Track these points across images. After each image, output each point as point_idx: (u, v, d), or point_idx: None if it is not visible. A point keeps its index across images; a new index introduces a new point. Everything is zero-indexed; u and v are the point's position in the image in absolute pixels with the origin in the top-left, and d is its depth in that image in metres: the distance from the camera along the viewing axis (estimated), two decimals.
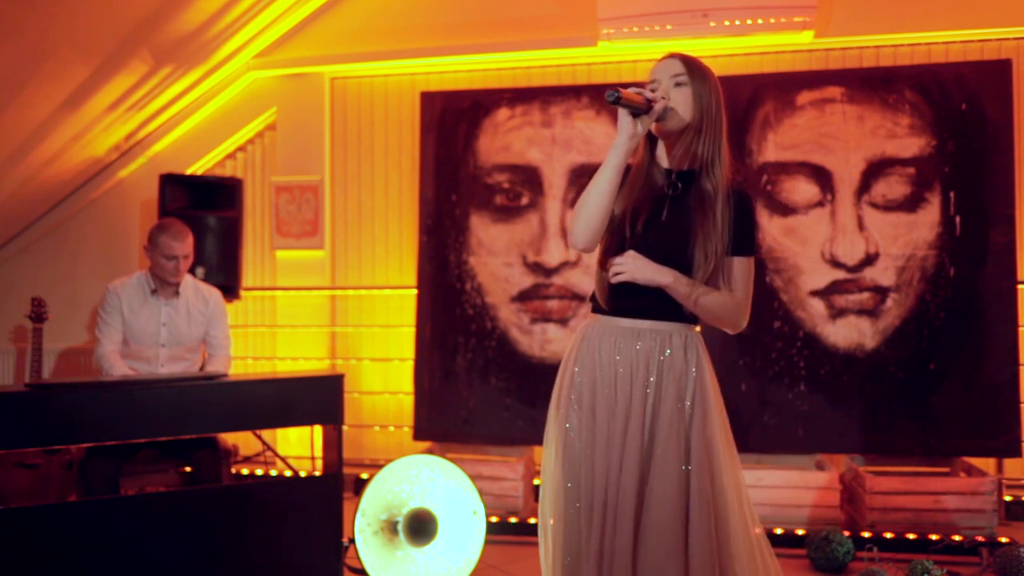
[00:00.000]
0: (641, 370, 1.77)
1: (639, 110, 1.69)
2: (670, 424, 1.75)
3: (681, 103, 1.77)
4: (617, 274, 1.76)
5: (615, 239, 1.80)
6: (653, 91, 1.77)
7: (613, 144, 1.72)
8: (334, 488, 2.86)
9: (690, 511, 1.72)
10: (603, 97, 4.09)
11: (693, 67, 1.80)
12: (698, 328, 1.86)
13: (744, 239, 1.82)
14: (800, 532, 3.31)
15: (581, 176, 4.03)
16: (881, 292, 3.73)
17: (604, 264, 1.82)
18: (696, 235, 1.77)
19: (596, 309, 1.88)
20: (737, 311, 1.82)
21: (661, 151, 1.85)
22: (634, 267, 1.75)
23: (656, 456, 1.74)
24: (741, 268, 1.82)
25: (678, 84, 1.78)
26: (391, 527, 2.88)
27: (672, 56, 1.83)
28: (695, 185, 1.81)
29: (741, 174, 1.92)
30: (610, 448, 1.75)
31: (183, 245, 3.24)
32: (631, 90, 1.69)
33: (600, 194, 1.72)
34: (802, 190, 3.83)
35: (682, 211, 1.80)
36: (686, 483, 1.73)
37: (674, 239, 1.78)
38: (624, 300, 1.81)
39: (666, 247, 1.78)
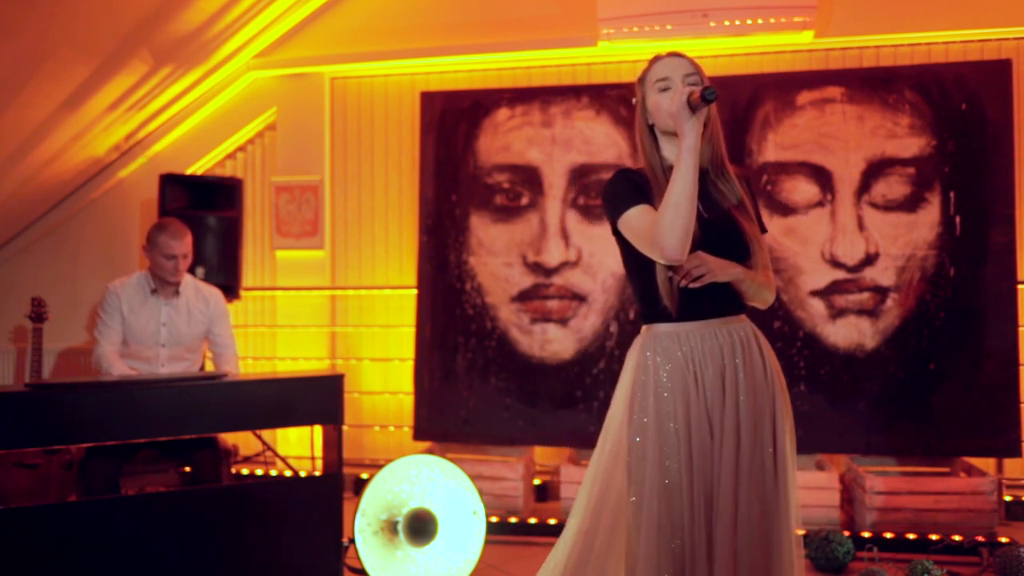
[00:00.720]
0: (730, 367, 1.77)
1: (698, 106, 1.68)
2: (760, 421, 1.76)
3: None
4: (698, 277, 1.74)
5: None
6: (668, 91, 1.80)
7: (685, 147, 1.67)
8: (334, 488, 2.86)
9: (779, 501, 1.75)
10: (603, 97, 4.08)
11: (698, 66, 1.85)
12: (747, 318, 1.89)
13: (760, 218, 1.92)
14: (800, 532, 3.30)
15: (581, 176, 4.04)
16: (881, 292, 3.73)
17: (672, 271, 1.77)
18: (741, 223, 1.81)
19: (654, 319, 1.83)
20: (771, 287, 1.90)
21: (669, 152, 1.85)
22: (716, 267, 1.76)
23: (751, 450, 1.74)
24: (765, 247, 1.90)
25: (693, 84, 1.80)
26: (391, 527, 2.88)
27: (678, 56, 1.85)
28: (710, 180, 1.85)
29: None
30: (705, 444, 1.73)
31: (182, 244, 3.24)
32: (705, 87, 1.67)
33: (690, 198, 1.66)
34: (802, 190, 3.83)
35: (716, 206, 1.83)
36: (775, 477, 1.75)
37: (727, 233, 1.81)
38: (692, 303, 1.79)
39: (724, 243, 1.80)
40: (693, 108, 1.66)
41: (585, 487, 1.86)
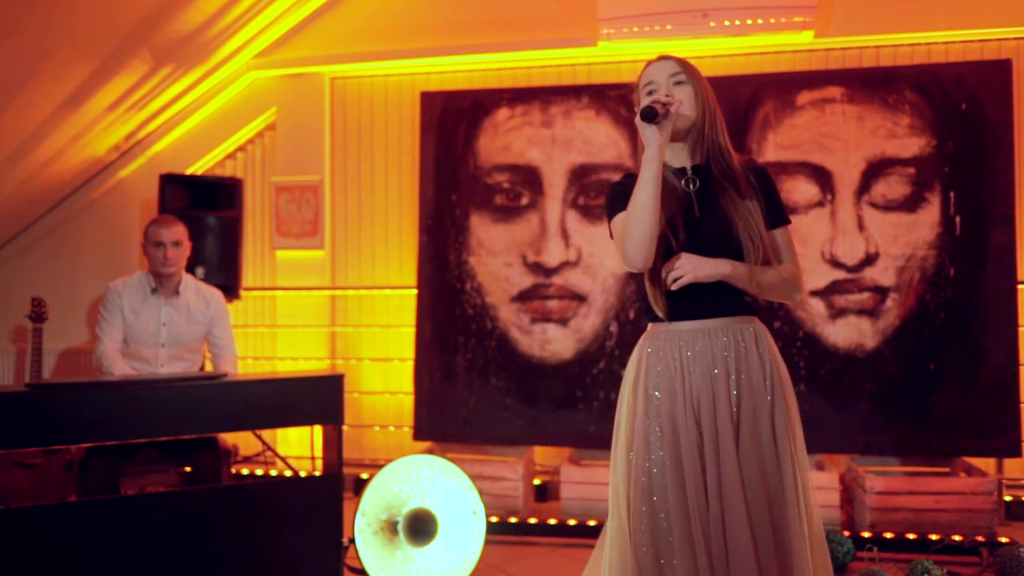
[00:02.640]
0: (721, 370, 1.76)
1: (660, 118, 1.70)
2: (757, 423, 1.74)
3: (685, 99, 1.79)
4: (676, 279, 1.74)
5: (661, 250, 1.78)
6: (653, 94, 1.80)
7: (646, 158, 1.70)
8: (334, 488, 2.86)
9: (784, 509, 1.72)
10: (603, 97, 4.09)
11: (687, 65, 1.84)
12: (757, 319, 1.86)
13: (776, 209, 1.87)
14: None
15: (581, 176, 4.04)
16: (881, 292, 3.73)
17: (654, 275, 1.79)
18: (735, 222, 1.79)
19: (654, 319, 1.85)
20: (795, 281, 1.86)
21: (667, 153, 1.85)
22: (693, 266, 1.74)
23: (749, 453, 1.72)
24: (784, 238, 1.88)
25: (678, 83, 1.81)
26: (391, 527, 2.88)
27: (664, 57, 1.86)
28: (711, 177, 1.84)
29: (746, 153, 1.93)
30: (698, 449, 1.72)
31: (170, 232, 3.23)
32: (646, 102, 1.71)
33: (648, 208, 1.68)
34: (802, 190, 3.83)
35: (711, 204, 1.82)
36: (779, 480, 1.73)
37: (716, 232, 1.79)
38: (684, 304, 1.79)
39: (712, 242, 1.78)
40: (645, 119, 1.68)
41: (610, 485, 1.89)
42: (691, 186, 1.82)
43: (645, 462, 1.75)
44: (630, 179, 1.83)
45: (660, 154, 1.70)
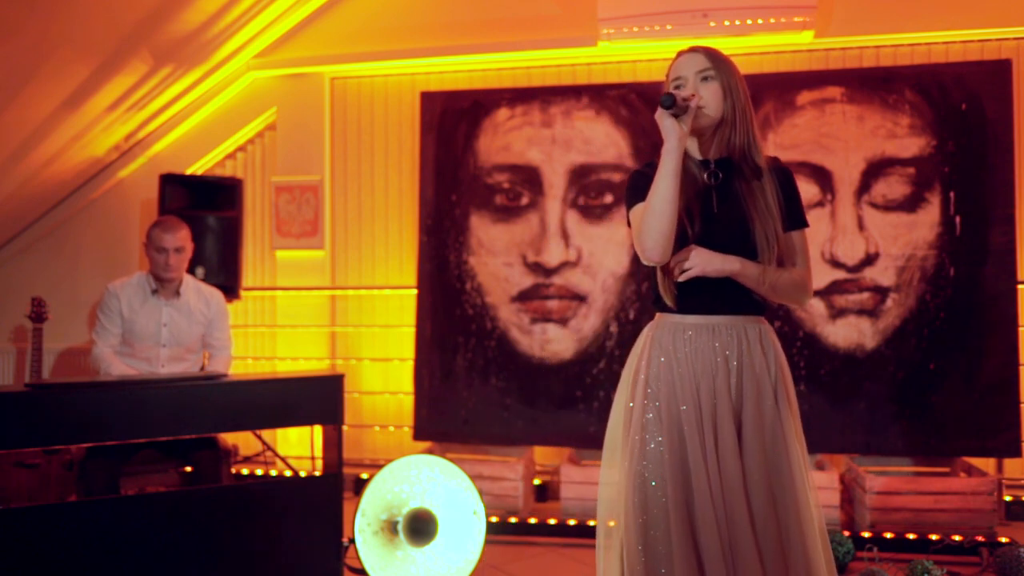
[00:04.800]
0: (722, 367, 1.75)
1: (679, 112, 1.69)
2: (760, 421, 1.74)
3: (711, 97, 1.77)
4: (685, 271, 1.73)
5: (676, 241, 1.76)
6: (679, 89, 1.79)
7: (665, 150, 1.69)
8: (334, 488, 2.86)
9: (787, 506, 1.71)
10: (603, 97, 4.08)
11: (718, 59, 1.81)
12: (765, 319, 1.86)
13: (796, 212, 1.85)
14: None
15: (581, 176, 4.04)
16: (881, 292, 3.73)
17: (666, 266, 1.79)
18: (752, 220, 1.77)
19: (663, 309, 1.84)
20: (805, 286, 1.85)
21: (692, 144, 1.84)
22: (702, 260, 1.73)
23: (754, 452, 1.72)
24: (800, 242, 1.86)
25: (705, 79, 1.79)
26: (391, 527, 2.88)
27: (695, 50, 1.82)
28: (735, 172, 1.82)
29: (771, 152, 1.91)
30: (703, 445, 1.71)
31: (174, 238, 3.22)
32: (667, 91, 1.70)
33: (666, 201, 1.68)
34: (802, 190, 3.77)
35: (731, 200, 1.80)
36: (779, 478, 1.72)
37: (732, 228, 1.78)
38: (694, 297, 1.79)
39: (726, 238, 1.77)
40: (663, 105, 1.68)
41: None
42: (713, 179, 1.81)
43: (645, 447, 1.74)
44: (652, 168, 1.82)
45: (679, 146, 1.69)
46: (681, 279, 1.75)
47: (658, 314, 1.87)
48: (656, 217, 1.69)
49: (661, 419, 1.74)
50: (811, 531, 1.72)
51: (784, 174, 1.86)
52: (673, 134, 1.69)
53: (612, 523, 1.82)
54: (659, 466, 1.72)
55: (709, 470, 1.70)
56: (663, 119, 1.69)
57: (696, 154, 1.85)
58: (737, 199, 1.80)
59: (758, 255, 1.77)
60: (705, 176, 1.82)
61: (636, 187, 1.82)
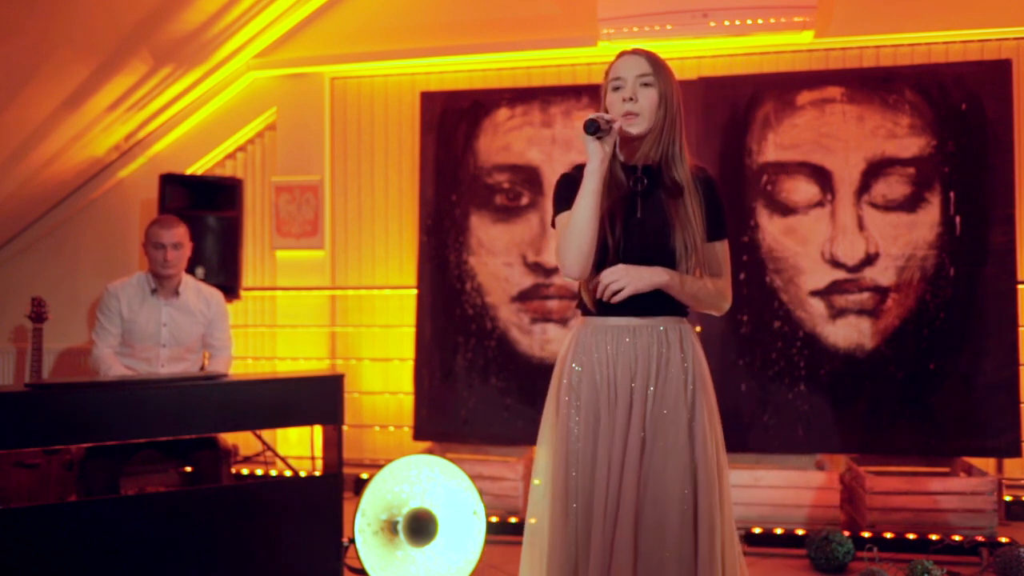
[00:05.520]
0: (641, 367, 1.77)
1: (603, 133, 1.69)
2: (675, 420, 1.74)
3: (647, 104, 1.77)
4: (616, 292, 1.73)
5: (597, 247, 1.77)
6: (619, 90, 1.79)
7: (587, 170, 1.70)
8: (334, 488, 2.86)
9: (698, 508, 1.72)
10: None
11: (659, 65, 1.80)
12: (687, 320, 1.86)
13: (719, 223, 1.85)
14: (800, 532, 3.31)
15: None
16: (881, 292, 3.73)
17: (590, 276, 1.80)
18: (673, 227, 1.78)
19: (586, 311, 1.86)
20: (721, 296, 1.86)
21: (620, 149, 1.84)
22: (631, 278, 1.73)
23: (659, 452, 1.73)
24: (722, 252, 1.86)
25: (645, 84, 1.78)
26: (391, 527, 2.88)
27: (637, 53, 1.81)
28: (660, 179, 1.82)
29: (699, 159, 1.92)
30: (612, 446, 1.74)
31: (170, 234, 3.22)
32: (591, 116, 1.70)
33: (587, 220, 1.70)
34: (802, 190, 3.83)
35: (654, 206, 1.80)
36: (692, 480, 1.73)
37: (653, 235, 1.78)
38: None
39: (647, 244, 1.78)
40: (588, 131, 1.68)
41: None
42: (638, 186, 1.81)
43: (566, 447, 1.78)
44: (576, 170, 1.82)
45: (601, 168, 1.70)
46: (614, 301, 1.74)
47: (581, 316, 1.88)
48: (576, 235, 1.71)
49: (583, 422, 1.78)
50: (718, 536, 1.73)
51: (708, 183, 1.85)
52: (596, 156, 1.70)
53: (533, 520, 1.85)
54: (579, 464, 1.76)
55: (611, 472, 1.72)
56: (587, 139, 1.69)
57: (624, 158, 1.84)
58: (660, 206, 1.80)
59: (676, 263, 1.78)
60: (630, 182, 1.82)
61: (561, 195, 1.83)
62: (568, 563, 1.74)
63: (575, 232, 1.71)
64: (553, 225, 1.87)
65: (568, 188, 1.80)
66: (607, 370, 1.78)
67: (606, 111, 1.81)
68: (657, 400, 1.76)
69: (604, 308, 1.80)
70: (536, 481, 1.87)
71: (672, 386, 1.76)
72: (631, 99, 1.76)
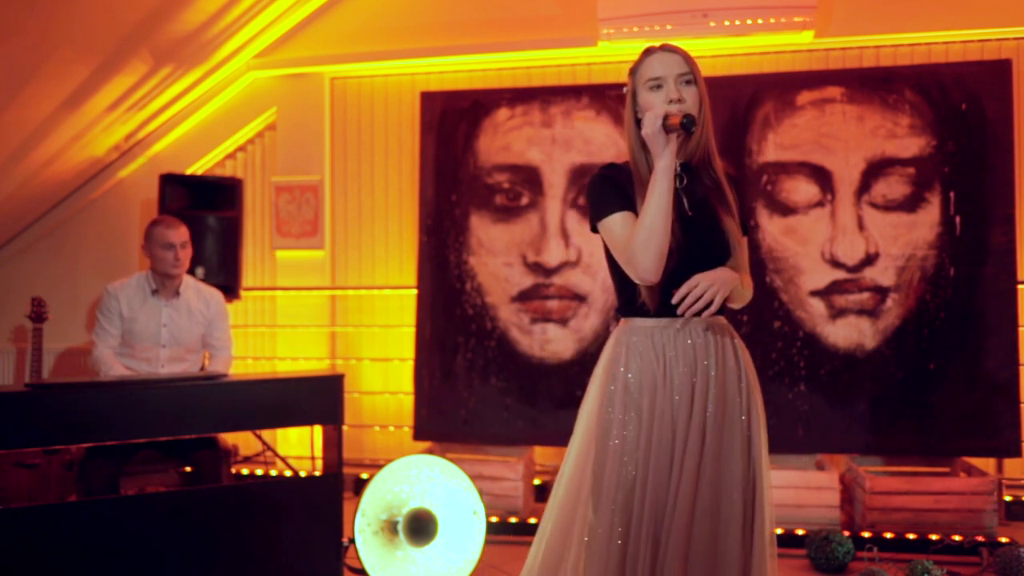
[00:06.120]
0: (700, 367, 1.75)
1: (673, 129, 1.67)
2: (730, 421, 1.74)
3: (693, 103, 1.75)
4: (709, 303, 1.69)
5: None
6: (660, 90, 1.76)
7: (660, 168, 1.66)
8: (334, 488, 2.86)
9: (755, 507, 1.72)
10: (603, 97, 4.08)
11: (693, 63, 1.79)
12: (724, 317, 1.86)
13: (745, 219, 1.90)
14: (800, 532, 3.31)
15: (581, 176, 4.03)
16: (881, 292, 3.73)
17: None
18: (724, 224, 1.78)
19: (631, 313, 1.81)
20: (750, 288, 1.89)
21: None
22: (718, 287, 1.70)
23: (715, 454, 1.72)
24: (746, 247, 1.89)
25: (688, 82, 1.76)
26: (391, 527, 2.88)
27: (671, 50, 1.78)
28: (696, 176, 1.82)
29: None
30: (673, 445, 1.71)
31: (178, 233, 3.24)
32: (684, 112, 1.68)
33: (664, 220, 1.66)
34: (802, 190, 3.83)
35: (698, 203, 1.80)
36: (747, 480, 1.73)
37: (706, 231, 1.78)
38: (666, 301, 1.76)
39: (705, 241, 1.77)
40: (668, 131, 1.65)
41: (559, 482, 1.84)
42: (680, 182, 1.79)
43: (623, 460, 1.73)
44: (616, 170, 1.80)
45: (673, 164, 1.68)
46: (706, 315, 1.72)
47: (623, 320, 1.84)
48: (655, 237, 1.66)
49: (642, 424, 1.73)
50: (767, 537, 1.73)
51: (736, 183, 1.87)
52: (669, 154, 1.67)
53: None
54: (638, 466, 1.72)
55: (672, 472, 1.70)
56: (659, 136, 1.66)
57: None
58: (703, 203, 1.79)
59: (731, 257, 1.79)
60: (675, 180, 1.79)
61: (606, 194, 1.78)
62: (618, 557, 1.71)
63: (654, 234, 1.65)
64: (594, 229, 1.82)
65: (611, 188, 1.77)
66: (665, 371, 1.74)
67: (642, 111, 1.77)
68: (715, 401, 1.74)
69: (660, 309, 1.77)
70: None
71: (730, 387, 1.76)
72: (679, 99, 1.73)
